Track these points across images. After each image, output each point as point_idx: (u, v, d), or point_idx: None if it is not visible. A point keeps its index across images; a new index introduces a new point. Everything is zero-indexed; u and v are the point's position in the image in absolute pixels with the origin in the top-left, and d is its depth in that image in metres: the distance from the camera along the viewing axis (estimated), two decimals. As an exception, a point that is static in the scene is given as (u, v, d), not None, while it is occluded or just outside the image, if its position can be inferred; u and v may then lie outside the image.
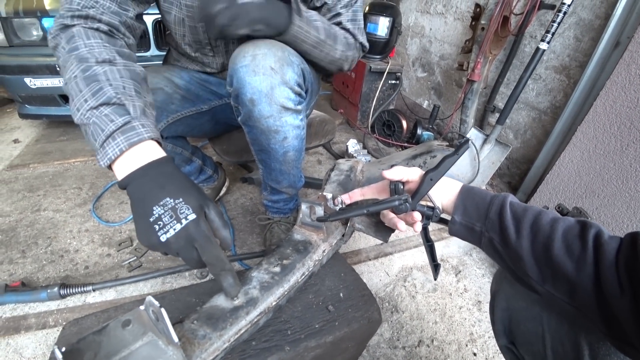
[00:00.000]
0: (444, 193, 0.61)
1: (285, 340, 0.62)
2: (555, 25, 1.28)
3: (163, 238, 0.50)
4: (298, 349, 0.61)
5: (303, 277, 0.69)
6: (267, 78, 0.73)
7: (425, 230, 0.66)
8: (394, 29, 1.92)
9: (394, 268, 1.24)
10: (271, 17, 0.73)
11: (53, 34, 0.65)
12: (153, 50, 1.67)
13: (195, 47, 0.94)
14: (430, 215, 0.62)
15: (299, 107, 0.81)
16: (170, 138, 0.99)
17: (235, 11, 0.69)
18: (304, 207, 0.75)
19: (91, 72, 0.58)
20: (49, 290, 0.96)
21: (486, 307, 1.15)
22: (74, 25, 0.63)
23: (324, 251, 0.74)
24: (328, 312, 0.69)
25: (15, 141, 1.88)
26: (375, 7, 1.94)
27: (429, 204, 0.62)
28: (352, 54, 0.94)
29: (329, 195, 0.71)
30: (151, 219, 0.51)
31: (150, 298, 0.47)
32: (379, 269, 1.21)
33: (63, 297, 0.98)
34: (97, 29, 0.64)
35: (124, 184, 0.54)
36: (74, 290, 0.98)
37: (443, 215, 0.62)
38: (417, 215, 0.63)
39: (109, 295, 1.02)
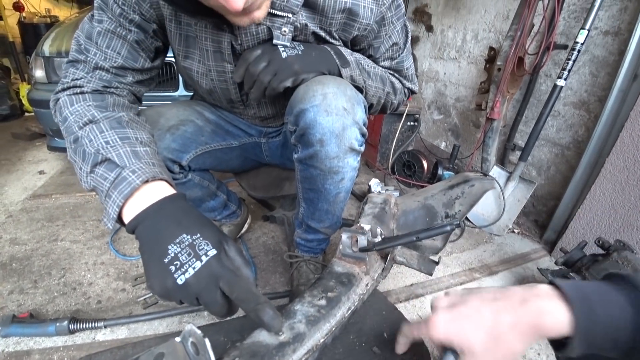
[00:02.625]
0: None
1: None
2: (571, 63, 1.33)
3: (181, 280, 0.44)
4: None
5: (349, 311, 0.62)
6: (340, 119, 0.70)
7: None
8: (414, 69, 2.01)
9: (426, 310, 1.14)
10: (316, 67, 0.72)
11: (52, 110, 0.67)
12: (181, 91, 1.76)
13: (225, 104, 0.92)
14: None
15: (362, 148, 0.79)
16: (197, 170, 0.98)
17: (278, 66, 0.69)
18: (344, 237, 0.70)
19: (77, 139, 0.59)
20: (57, 324, 0.89)
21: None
22: (60, 98, 0.65)
23: (367, 285, 0.68)
24: (373, 354, 0.62)
25: (41, 172, 1.91)
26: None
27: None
28: (400, 98, 0.94)
29: (367, 227, 0.68)
30: (166, 260, 0.45)
31: (191, 326, 0.42)
32: (411, 311, 1.12)
33: (72, 332, 0.91)
34: (81, 93, 0.65)
35: (132, 226, 0.50)
36: (84, 326, 0.91)
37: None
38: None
39: (121, 333, 0.94)
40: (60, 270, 1.15)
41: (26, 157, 2.15)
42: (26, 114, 3.10)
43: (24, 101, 3.01)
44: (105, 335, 0.93)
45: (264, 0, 0.54)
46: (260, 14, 0.55)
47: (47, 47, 1.61)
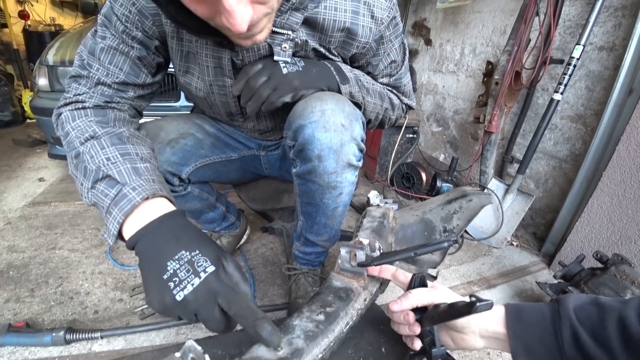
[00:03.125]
0: (481, 322, 0.52)
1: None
2: (567, 77, 1.35)
3: (179, 296, 0.45)
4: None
5: (347, 327, 0.62)
6: (338, 135, 0.71)
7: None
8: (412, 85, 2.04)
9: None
10: (316, 83, 0.74)
11: (54, 124, 0.68)
12: (182, 101, 1.77)
13: (225, 117, 0.93)
14: (427, 353, 0.53)
15: (359, 163, 0.80)
16: (196, 183, 0.98)
17: (278, 82, 0.70)
18: (343, 252, 0.70)
19: (79, 155, 0.60)
20: (54, 334, 0.88)
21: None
22: (62, 113, 0.66)
23: (365, 300, 0.68)
24: None
25: (41, 180, 1.91)
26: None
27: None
28: (397, 114, 0.95)
29: (366, 241, 0.68)
30: (165, 276, 0.46)
31: (191, 342, 0.42)
32: (409, 322, 1.11)
33: (68, 342, 0.90)
34: (83, 108, 0.66)
35: (132, 242, 0.51)
36: (80, 336, 0.90)
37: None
38: (417, 344, 0.55)
39: (118, 344, 0.93)
40: (57, 279, 1.15)
41: (26, 164, 2.16)
42: (28, 120, 3.12)
43: (26, 108, 3.03)
44: (101, 346, 0.92)
45: (266, 24, 0.55)
46: (261, 36, 0.57)
47: (51, 56, 1.63)
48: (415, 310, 0.57)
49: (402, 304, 0.57)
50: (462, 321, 0.52)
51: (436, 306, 0.52)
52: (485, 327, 0.52)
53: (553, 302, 0.48)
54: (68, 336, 0.89)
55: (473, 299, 0.44)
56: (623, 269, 1.04)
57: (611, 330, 0.41)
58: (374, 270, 0.67)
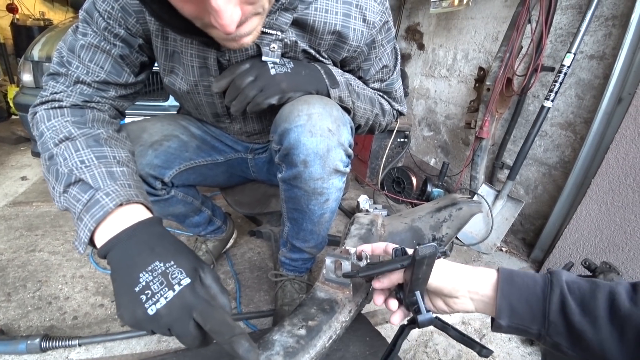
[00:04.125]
0: (475, 282, 0.51)
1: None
2: (557, 85, 1.36)
3: (152, 310, 0.42)
4: None
5: (330, 340, 0.60)
6: (325, 140, 0.69)
7: (399, 333, 0.55)
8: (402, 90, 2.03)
9: (413, 332, 1.12)
10: (304, 86, 0.72)
11: (30, 124, 0.66)
12: (171, 101, 1.74)
13: (211, 118, 0.91)
14: (413, 317, 0.52)
15: (347, 169, 0.78)
16: (181, 187, 0.96)
17: (265, 83, 0.68)
18: (328, 261, 0.68)
19: (52, 157, 0.57)
20: (29, 342, 0.85)
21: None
22: (38, 112, 0.64)
23: (350, 311, 0.66)
24: None
25: (23, 178, 1.86)
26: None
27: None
28: (388, 119, 0.94)
29: (352, 250, 0.66)
30: (137, 289, 0.43)
31: None
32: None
33: (44, 350, 0.87)
34: (59, 107, 0.64)
35: (104, 251, 0.48)
36: (57, 344, 0.87)
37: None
38: (392, 304, 0.55)
39: (97, 352, 0.90)
40: (36, 282, 1.11)
41: (9, 162, 2.10)
42: (13, 117, 3.04)
43: (12, 104, 2.96)
44: (79, 354, 0.89)
45: (255, 26, 0.54)
46: (249, 39, 0.55)
47: (36, 51, 1.59)
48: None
49: (382, 281, 0.56)
50: (450, 286, 0.51)
51: (405, 272, 0.52)
52: (477, 289, 0.51)
53: (547, 273, 0.48)
54: (44, 344, 0.86)
55: (416, 247, 0.44)
56: (611, 277, 1.04)
57: (600, 302, 0.41)
58: (376, 249, 0.64)
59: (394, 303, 0.55)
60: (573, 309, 0.42)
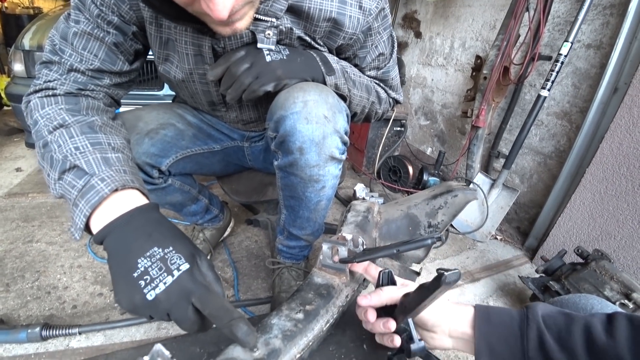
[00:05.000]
0: (451, 321, 0.51)
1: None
2: (554, 74, 1.36)
3: (151, 295, 0.43)
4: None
5: (327, 324, 0.61)
6: (320, 127, 0.69)
7: None
8: (399, 78, 2.03)
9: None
10: (300, 73, 0.71)
11: (24, 113, 0.65)
12: (166, 90, 1.72)
13: (207, 107, 0.90)
14: (405, 349, 0.51)
15: (343, 156, 0.78)
16: (178, 175, 0.95)
17: (260, 70, 0.67)
18: (325, 247, 0.69)
19: (46, 144, 0.57)
20: (29, 331, 0.86)
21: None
22: (31, 100, 0.63)
23: (346, 296, 0.68)
24: None
25: (18, 170, 1.84)
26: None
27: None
28: (384, 108, 0.93)
29: (349, 236, 0.67)
30: (135, 274, 0.43)
31: (159, 346, 0.40)
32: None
33: (44, 339, 0.87)
34: (53, 95, 0.63)
35: (101, 237, 0.48)
36: (57, 332, 0.88)
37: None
38: (396, 340, 0.53)
39: (97, 339, 0.91)
40: (34, 273, 1.11)
41: (3, 153, 2.07)
42: (5, 108, 2.99)
43: (3, 94, 2.91)
44: (79, 342, 0.90)
45: (247, 11, 0.53)
46: (242, 25, 0.54)
47: (27, 40, 1.56)
48: (386, 308, 0.56)
49: (371, 299, 0.55)
50: (432, 320, 0.52)
51: (406, 295, 0.51)
52: (455, 327, 0.51)
53: (523, 307, 0.49)
54: (44, 332, 0.86)
55: (441, 271, 0.43)
56: (603, 265, 1.06)
57: (576, 337, 0.42)
58: (356, 266, 0.65)
59: (393, 324, 0.52)
60: (551, 345, 0.43)
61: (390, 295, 0.55)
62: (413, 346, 0.50)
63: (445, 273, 0.42)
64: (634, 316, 0.41)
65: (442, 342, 0.53)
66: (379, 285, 0.59)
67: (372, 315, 0.55)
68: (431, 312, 0.52)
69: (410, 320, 0.51)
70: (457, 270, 0.42)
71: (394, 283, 0.59)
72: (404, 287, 0.56)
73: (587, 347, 0.41)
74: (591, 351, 0.40)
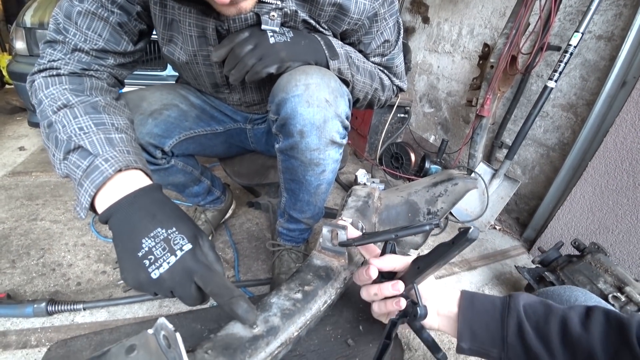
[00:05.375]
0: (439, 301, 0.53)
1: (302, 376, 0.55)
2: (562, 65, 1.34)
3: (155, 274, 0.45)
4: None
5: (325, 305, 0.63)
6: (322, 110, 0.69)
7: (392, 326, 0.53)
8: (404, 64, 1.99)
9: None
10: (303, 56, 0.71)
11: (29, 92, 0.65)
12: (169, 70, 1.71)
13: (210, 88, 0.90)
14: (409, 313, 0.52)
15: (344, 140, 0.78)
16: (181, 156, 0.96)
17: (264, 51, 0.67)
18: (325, 230, 0.70)
19: (51, 124, 0.57)
20: (35, 306, 0.88)
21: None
22: (36, 80, 0.63)
23: (345, 279, 0.69)
24: (347, 346, 0.63)
25: (21, 149, 1.85)
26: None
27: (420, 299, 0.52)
28: (387, 95, 0.93)
29: (349, 220, 0.68)
30: (140, 254, 0.45)
31: (163, 320, 0.42)
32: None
33: (50, 314, 0.90)
34: (57, 75, 0.63)
35: (106, 216, 0.49)
36: (62, 308, 0.90)
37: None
38: (402, 302, 0.52)
39: (100, 315, 0.94)
40: (39, 250, 1.13)
41: (6, 132, 2.08)
42: (7, 86, 2.98)
43: (5, 73, 2.89)
44: (84, 317, 0.93)
45: None
46: (247, 4, 0.54)
47: (28, 17, 1.54)
48: (385, 276, 0.57)
49: (381, 261, 0.56)
50: (425, 296, 0.53)
51: (417, 259, 0.52)
52: (444, 305, 0.53)
53: (506, 296, 0.51)
54: (50, 307, 0.89)
55: (462, 228, 0.44)
56: (598, 258, 1.07)
57: (553, 326, 0.44)
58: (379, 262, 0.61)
59: (402, 285, 0.53)
60: (529, 332, 0.45)
61: (394, 262, 0.56)
62: (420, 309, 0.50)
63: (470, 229, 0.42)
64: (610, 311, 0.43)
65: (430, 321, 0.54)
66: (384, 253, 0.60)
67: (374, 273, 0.56)
68: (424, 288, 0.53)
69: (415, 285, 0.52)
70: (476, 229, 0.43)
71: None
72: (405, 257, 0.57)
73: (562, 337, 0.43)
74: (565, 341, 0.42)
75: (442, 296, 0.54)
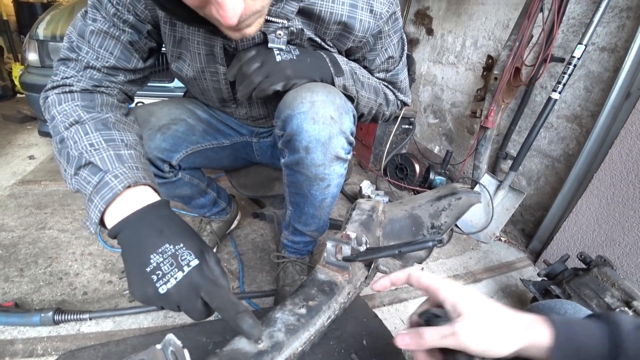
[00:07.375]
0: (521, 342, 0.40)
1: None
2: (566, 76, 1.34)
3: (162, 289, 0.46)
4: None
5: (329, 320, 0.63)
6: (327, 127, 0.71)
7: None
8: (409, 76, 2.01)
9: (409, 314, 1.16)
10: (309, 73, 0.72)
11: (42, 108, 0.67)
12: (176, 82, 1.73)
13: (217, 103, 0.91)
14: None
15: (348, 156, 0.80)
16: (187, 169, 0.98)
17: (270, 69, 0.69)
18: (329, 245, 0.70)
19: (63, 140, 0.59)
20: (42, 315, 0.89)
21: None
22: (49, 96, 0.65)
23: (348, 293, 0.69)
24: None
25: (31, 157, 1.88)
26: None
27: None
28: (392, 110, 0.94)
29: (353, 235, 0.68)
30: (148, 269, 0.46)
31: (171, 336, 0.43)
32: (394, 315, 1.14)
33: (57, 323, 0.91)
34: (70, 92, 0.65)
35: (115, 232, 0.51)
36: (69, 317, 0.91)
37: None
38: None
39: (106, 325, 0.95)
40: (47, 259, 1.15)
41: (16, 141, 2.12)
42: (18, 95, 3.04)
43: (16, 82, 2.95)
44: (90, 327, 0.93)
45: (256, 18, 0.54)
46: (251, 30, 0.55)
47: (41, 30, 1.58)
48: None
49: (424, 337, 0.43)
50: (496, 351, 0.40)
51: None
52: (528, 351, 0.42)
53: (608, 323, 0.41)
54: (57, 317, 0.90)
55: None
56: (605, 271, 1.06)
57: None
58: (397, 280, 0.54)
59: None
60: None
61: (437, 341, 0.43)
62: None
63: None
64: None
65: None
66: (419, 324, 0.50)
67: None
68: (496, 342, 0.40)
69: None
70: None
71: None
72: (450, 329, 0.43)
73: None
74: None
75: (522, 337, 0.41)
